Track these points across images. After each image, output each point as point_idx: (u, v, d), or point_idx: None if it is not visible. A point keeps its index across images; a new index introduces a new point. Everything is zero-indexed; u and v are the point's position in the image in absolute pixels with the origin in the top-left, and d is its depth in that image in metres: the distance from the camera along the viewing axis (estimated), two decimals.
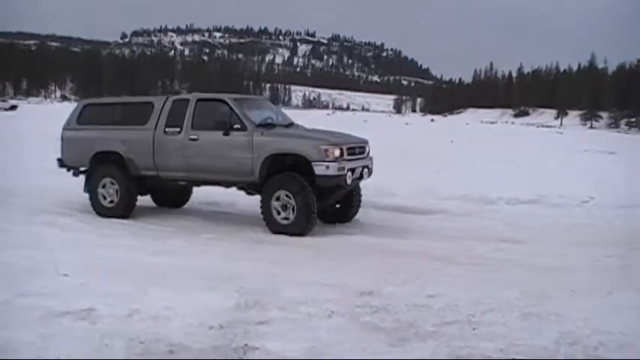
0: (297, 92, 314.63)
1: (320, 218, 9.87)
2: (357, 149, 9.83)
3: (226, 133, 9.53)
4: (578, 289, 6.05)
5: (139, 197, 10.82)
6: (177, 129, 9.98)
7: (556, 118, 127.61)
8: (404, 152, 21.86)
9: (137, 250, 7.83)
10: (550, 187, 13.05)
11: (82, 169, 10.96)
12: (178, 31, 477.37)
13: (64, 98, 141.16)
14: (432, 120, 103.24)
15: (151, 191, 11.37)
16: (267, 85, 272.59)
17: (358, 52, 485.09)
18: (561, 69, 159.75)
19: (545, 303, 5.52)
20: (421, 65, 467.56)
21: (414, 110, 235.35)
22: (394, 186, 12.96)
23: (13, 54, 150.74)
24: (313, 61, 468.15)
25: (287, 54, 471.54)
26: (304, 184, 9.05)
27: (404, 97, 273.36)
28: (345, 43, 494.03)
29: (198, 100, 10.21)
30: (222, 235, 9.18)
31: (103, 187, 10.52)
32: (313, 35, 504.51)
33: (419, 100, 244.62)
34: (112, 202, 10.50)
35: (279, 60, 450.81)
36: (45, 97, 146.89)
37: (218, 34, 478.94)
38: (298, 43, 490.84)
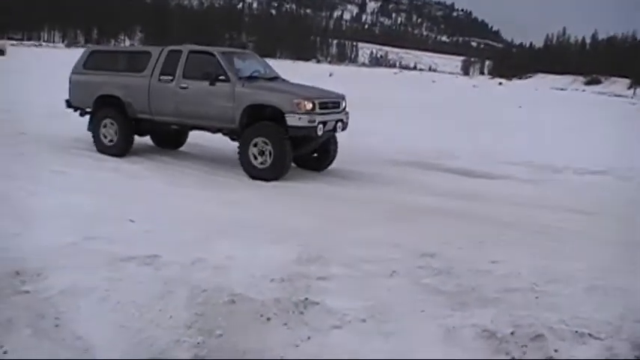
0: (365, 50, 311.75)
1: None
2: (330, 104, 10.36)
3: (212, 83, 10.26)
4: None
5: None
6: (170, 77, 10.79)
7: (629, 88, 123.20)
8: (470, 116, 21.53)
9: (204, 199, 7.94)
10: (620, 159, 12.65)
11: (87, 110, 11.83)
12: None
13: None
14: (500, 84, 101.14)
15: (149, 133, 12.26)
16: (335, 42, 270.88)
17: (428, 11, 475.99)
18: (638, 37, 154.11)
19: (611, 277, 5.37)
20: (491, 27, 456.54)
21: (481, 73, 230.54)
22: (458, 149, 12.78)
23: (84, 3, 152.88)
24: (382, 19, 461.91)
25: (355, 10, 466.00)
26: (279, 132, 9.73)
27: (472, 59, 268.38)
28: (415, 2, 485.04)
29: (190, 51, 10.99)
30: (289, 189, 9.25)
31: (104, 127, 11.38)
32: None
33: (487, 62, 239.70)
34: (111, 140, 11.36)
35: (347, 16, 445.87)
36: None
37: None
38: (367, 0, 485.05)
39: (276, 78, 11.17)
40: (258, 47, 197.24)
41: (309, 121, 9.65)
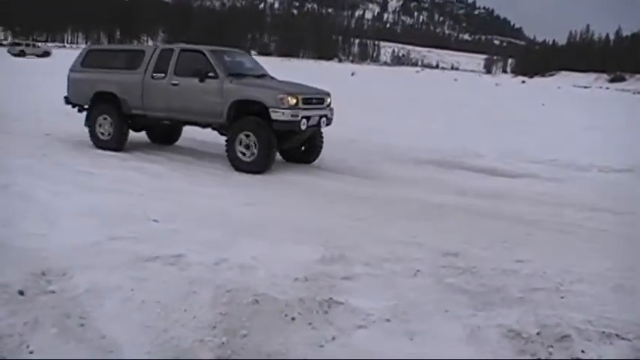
0: (387, 49, 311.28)
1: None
2: (314, 100, 10.75)
3: (202, 80, 10.69)
4: None
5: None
6: (163, 74, 11.24)
7: None
8: (492, 114, 21.41)
9: (227, 198, 7.96)
10: None
11: (85, 106, 12.27)
12: None
13: None
14: (523, 82, 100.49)
15: (144, 129, 12.65)
16: (356, 41, 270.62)
17: (449, 9, 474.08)
18: None
19: (638, 276, 5.33)
20: (514, 25, 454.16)
21: (504, 71, 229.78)
22: (481, 147, 12.71)
23: (107, 4, 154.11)
24: (403, 18, 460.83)
25: (377, 9, 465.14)
26: (264, 126, 10.13)
27: (494, 57, 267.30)
28: (437, 0, 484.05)
29: (182, 50, 11.45)
30: (312, 189, 9.25)
31: (100, 123, 11.86)
32: None
33: (510, 60, 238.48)
34: (107, 135, 11.81)
35: (368, 15, 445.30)
36: None
37: None
38: None
39: (264, 75, 11.63)
40: (280, 47, 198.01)
41: (292, 116, 10.06)
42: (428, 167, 11.55)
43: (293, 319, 4.22)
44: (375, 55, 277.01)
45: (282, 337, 4.02)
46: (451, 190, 9.55)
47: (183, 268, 4.92)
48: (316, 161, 11.49)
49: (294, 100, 10.11)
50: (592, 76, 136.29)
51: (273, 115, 10.04)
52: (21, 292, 4.32)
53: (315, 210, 7.70)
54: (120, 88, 11.64)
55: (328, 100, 11.17)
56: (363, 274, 5.07)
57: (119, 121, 11.67)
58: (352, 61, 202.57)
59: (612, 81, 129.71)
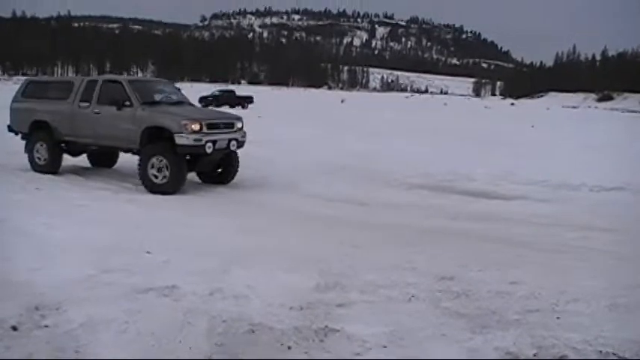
0: (375, 75, 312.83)
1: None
2: (221, 125, 11.50)
3: (119, 108, 11.36)
4: None
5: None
6: (87, 104, 11.95)
7: None
8: (483, 137, 21.50)
9: (219, 228, 7.95)
10: (636, 174, 12.50)
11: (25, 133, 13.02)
12: (257, 13, 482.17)
13: None
14: (512, 104, 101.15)
15: (80, 153, 13.30)
16: (345, 68, 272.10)
17: (437, 34, 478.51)
18: None
19: (633, 294, 5.34)
20: (501, 48, 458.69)
21: (493, 94, 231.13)
22: (473, 171, 12.74)
23: (97, 37, 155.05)
24: (391, 44, 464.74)
25: (365, 36, 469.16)
26: (172, 150, 10.73)
27: (483, 80, 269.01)
28: (424, 26, 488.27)
29: (104, 80, 12.26)
30: (304, 216, 9.26)
31: (37, 149, 12.64)
32: (391, 17, 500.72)
33: (498, 83, 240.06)
34: (43, 160, 12.58)
35: (357, 42, 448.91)
36: None
37: (296, 17, 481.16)
38: (376, 26, 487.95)
39: (181, 103, 12.39)
40: (270, 76, 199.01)
41: (196, 140, 10.69)
42: (421, 192, 11.56)
43: (289, 347, 4.20)
44: (364, 81, 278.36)
45: None
46: (444, 215, 9.58)
47: (177, 299, 4.90)
48: (309, 188, 11.52)
49: (198, 126, 10.76)
50: (580, 96, 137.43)
51: (178, 140, 10.65)
52: (14, 328, 4.29)
53: (309, 237, 7.68)
54: (52, 117, 12.42)
55: (239, 124, 11.91)
56: (358, 301, 5.06)
57: (53, 147, 12.47)
58: (342, 88, 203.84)
59: (600, 100, 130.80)
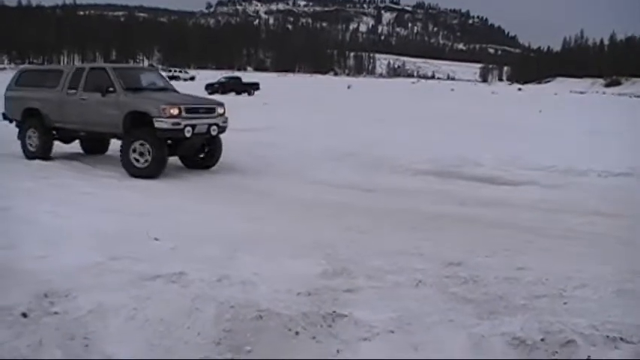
0: (382, 61, 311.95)
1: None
2: (201, 109, 11.79)
3: (104, 95, 11.71)
4: None
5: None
6: (75, 91, 12.35)
7: None
8: (490, 122, 21.41)
9: (227, 215, 7.96)
10: None
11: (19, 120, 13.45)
12: (263, 0, 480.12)
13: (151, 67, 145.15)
14: (520, 89, 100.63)
15: (71, 140, 13.61)
16: (352, 54, 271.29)
17: (443, 19, 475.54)
18: None
19: None
20: (508, 33, 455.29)
21: (500, 79, 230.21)
22: (480, 156, 12.70)
23: (103, 25, 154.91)
24: (398, 29, 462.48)
25: (371, 22, 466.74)
26: (154, 134, 10.99)
27: (490, 66, 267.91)
28: (430, 11, 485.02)
29: (90, 68, 12.77)
30: (311, 203, 9.27)
31: (30, 135, 13.05)
32: (397, 3, 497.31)
33: (505, 68, 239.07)
34: (34, 147, 12.96)
35: (363, 28, 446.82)
36: None
37: (302, 3, 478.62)
38: (382, 11, 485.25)
39: (165, 89, 12.79)
40: (276, 62, 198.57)
41: (174, 124, 10.92)
42: (428, 178, 11.55)
43: (297, 333, 4.21)
44: (370, 67, 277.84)
45: (286, 352, 4.01)
46: (451, 200, 9.57)
47: (185, 285, 4.90)
48: (314, 174, 11.53)
49: (176, 110, 11.02)
50: (588, 81, 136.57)
51: (157, 124, 10.91)
52: (24, 315, 4.31)
53: (315, 224, 7.69)
54: (42, 104, 12.82)
55: (220, 110, 12.11)
56: (365, 287, 5.06)
57: (43, 134, 12.83)
58: (348, 74, 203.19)
59: (608, 85, 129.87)
